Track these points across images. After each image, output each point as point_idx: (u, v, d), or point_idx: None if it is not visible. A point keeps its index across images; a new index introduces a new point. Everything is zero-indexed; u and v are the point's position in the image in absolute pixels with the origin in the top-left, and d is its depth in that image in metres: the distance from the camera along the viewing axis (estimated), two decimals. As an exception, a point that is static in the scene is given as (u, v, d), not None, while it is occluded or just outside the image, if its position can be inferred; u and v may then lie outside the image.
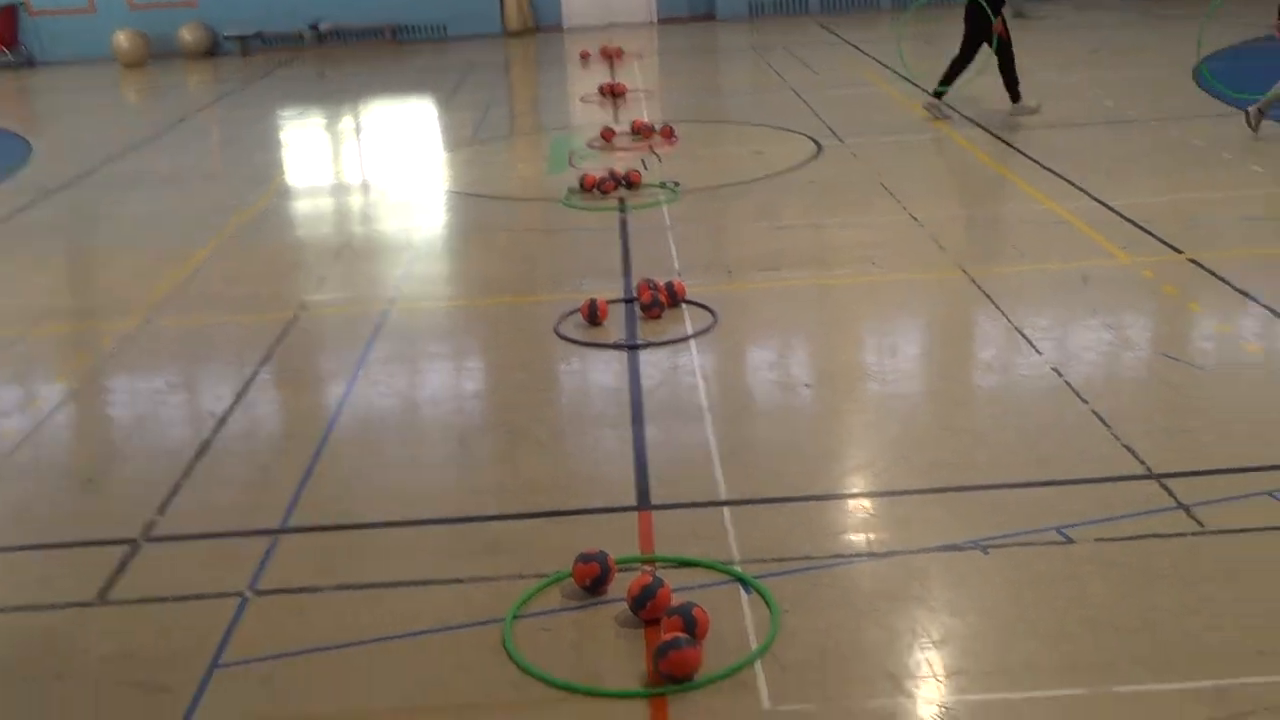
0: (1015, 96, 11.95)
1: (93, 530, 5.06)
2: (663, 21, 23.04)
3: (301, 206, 10.86)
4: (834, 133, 11.77)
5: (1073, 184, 9.38)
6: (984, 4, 11.63)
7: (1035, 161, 10.21)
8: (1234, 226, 8.30)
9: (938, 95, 12.21)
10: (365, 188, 11.44)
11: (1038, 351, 6.23)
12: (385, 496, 5.19)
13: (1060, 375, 5.91)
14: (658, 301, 7.16)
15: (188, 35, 22.45)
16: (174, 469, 5.55)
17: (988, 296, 7.07)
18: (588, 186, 10.10)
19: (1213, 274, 7.23)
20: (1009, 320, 6.67)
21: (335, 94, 17.52)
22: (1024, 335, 6.44)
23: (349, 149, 13.41)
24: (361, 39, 22.90)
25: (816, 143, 11.42)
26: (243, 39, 22.76)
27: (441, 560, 4.65)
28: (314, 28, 22.64)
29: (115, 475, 5.64)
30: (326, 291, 8.15)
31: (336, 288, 8.25)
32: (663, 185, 10.19)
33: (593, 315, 7.06)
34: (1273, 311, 6.65)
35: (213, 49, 22.83)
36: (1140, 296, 7.11)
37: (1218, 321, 6.68)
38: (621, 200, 9.84)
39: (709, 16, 22.75)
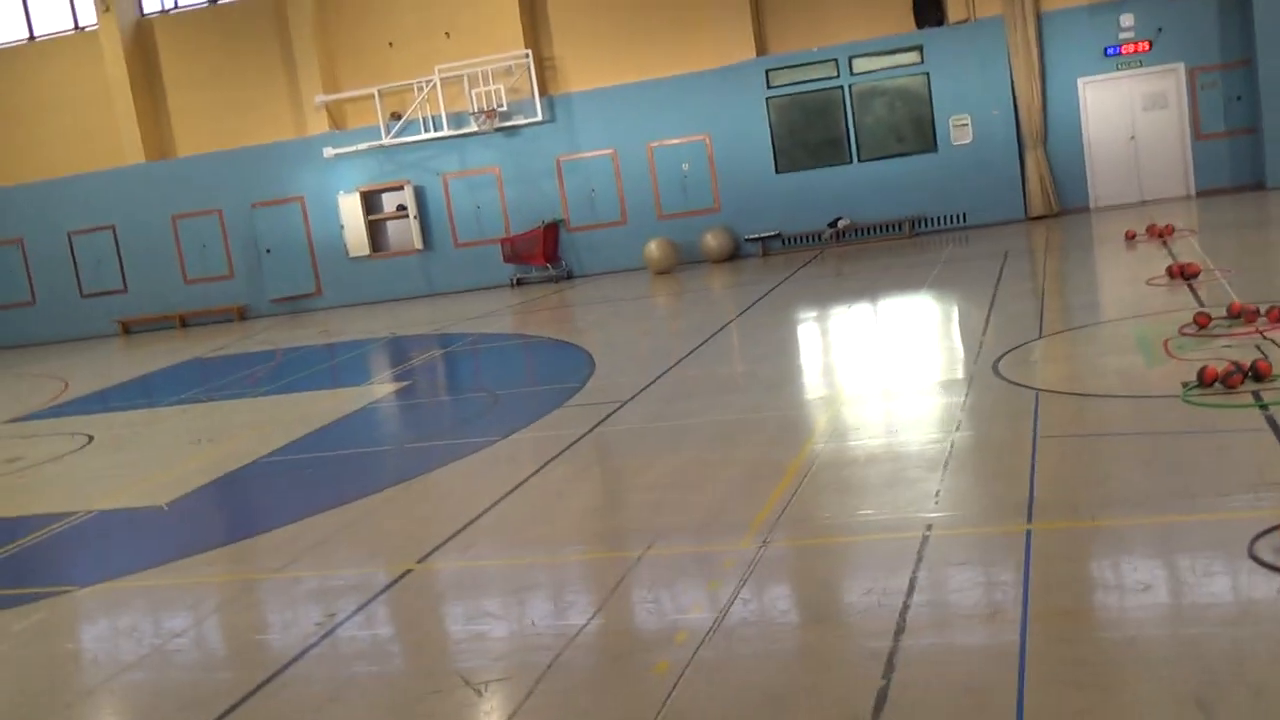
0: None
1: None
2: (1201, 194, 21.43)
3: (874, 412, 10.36)
4: None
5: None
6: None
7: None
8: None
9: None
10: (943, 388, 10.81)
11: None
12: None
13: None
14: (1380, 524, 5.93)
15: (712, 240, 23.25)
16: (855, 722, 4.93)
17: None
18: (1208, 380, 8.96)
19: None
20: None
21: (867, 291, 17.31)
22: None
23: (903, 348, 12.89)
24: (879, 235, 22.82)
25: None
26: (763, 240, 23.29)
27: None
28: (832, 225, 22.81)
29: (790, 727, 5.09)
30: (949, 508, 7.46)
31: (960, 503, 7.55)
32: (1302, 375, 8.88)
33: (1300, 540, 5.92)
34: None
35: (735, 252, 23.51)
36: None
37: None
38: (1257, 394, 8.62)
39: (1258, 185, 20.92)
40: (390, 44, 25.71)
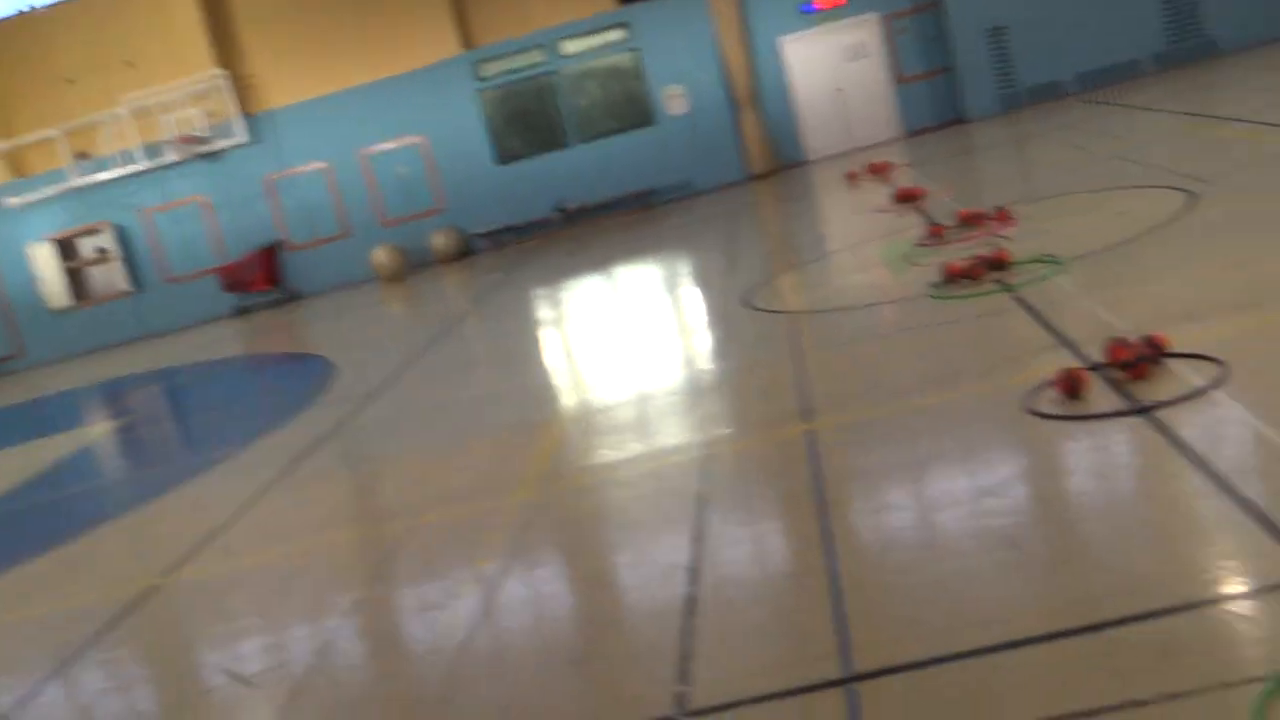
0: None
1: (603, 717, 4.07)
2: (910, 135, 22.17)
3: (633, 359, 10.04)
4: (1200, 179, 10.42)
5: None
6: None
7: None
8: None
9: None
10: (698, 327, 10.61)
11: None
12: (953, 622, 4.05)
13: None
14: (1143, 357, 5.94)
15: (440, 241, 22.65)
16: (667, 635, 4.53)
17: None
18: (954, 274, 9.03)
19: None
20: None
21: (603, 263, 17.10)
22: None
23: (650, 302, 12.67)
24: (608, 212, 22.70)
25: (1187, 190, 10.09)
26: (492, 234, 22.84)
27: (1074, 684, 3.47)
28: (561, 209, 22.55)
29: (601, 653, 4.66)
30: (726, 426, 7.19)
31: (736, 421, 7.30)
32: (1038, 260, 9.03)
33: (1073, 387, 5.87)
34: None
35: (466, 250, 22.98)
36: None
37: None
38: (999, 282, 8.71)
39: (958, 120, 21.78)
40: (70, 80, 24.02)
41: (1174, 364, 5.94)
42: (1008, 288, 8.53)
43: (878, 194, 15.56)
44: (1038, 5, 20.80)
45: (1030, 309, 7.85)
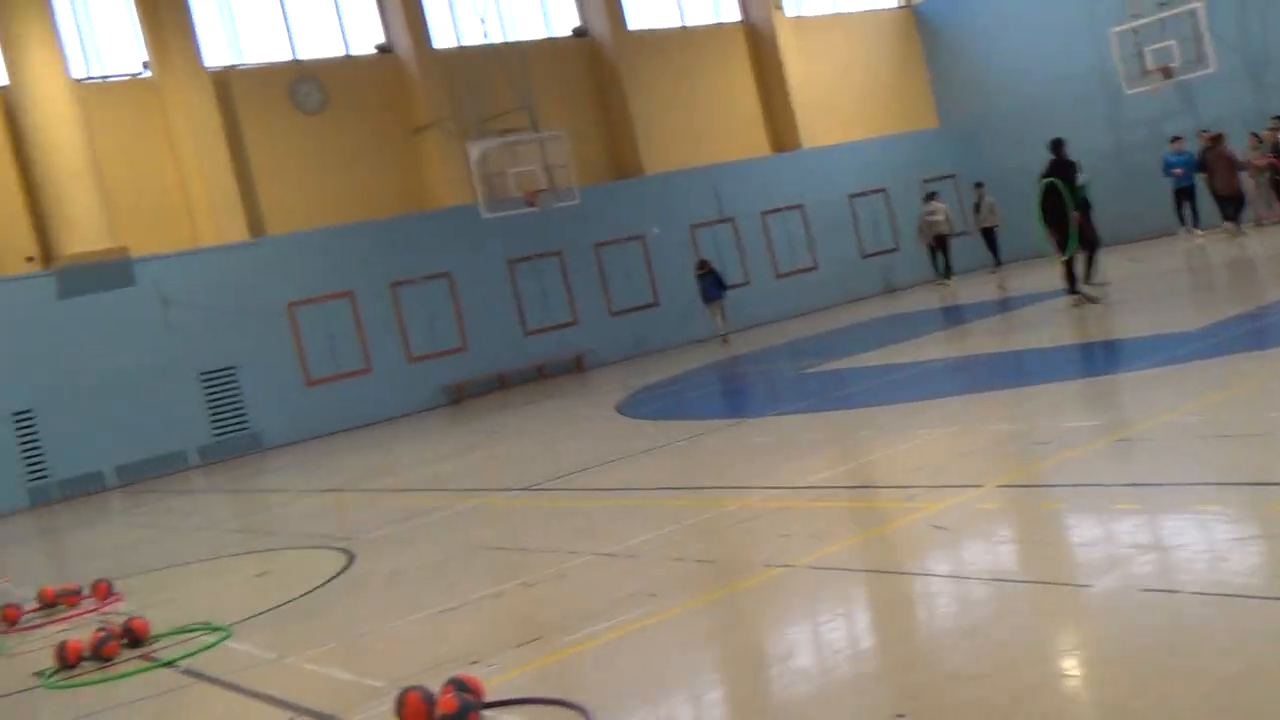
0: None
1: None
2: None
3: None
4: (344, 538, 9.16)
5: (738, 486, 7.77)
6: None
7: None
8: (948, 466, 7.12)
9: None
10: None
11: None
12: None
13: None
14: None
15: None
16: None
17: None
18: (73, 658, 6.61)
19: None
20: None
21: None
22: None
23: None
24: None
25: (343, 550, 8.74)
26: None
27: None
28: None
29: None
30: None
31: None
32: (190, 630, 6.97)
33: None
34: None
35: None
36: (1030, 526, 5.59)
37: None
38: (147, 658, 6.51)
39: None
40: None
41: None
42: (166, 662, 6.34)
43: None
44: (68, 391, 18.57)
45: (216, 680, 5.78)
